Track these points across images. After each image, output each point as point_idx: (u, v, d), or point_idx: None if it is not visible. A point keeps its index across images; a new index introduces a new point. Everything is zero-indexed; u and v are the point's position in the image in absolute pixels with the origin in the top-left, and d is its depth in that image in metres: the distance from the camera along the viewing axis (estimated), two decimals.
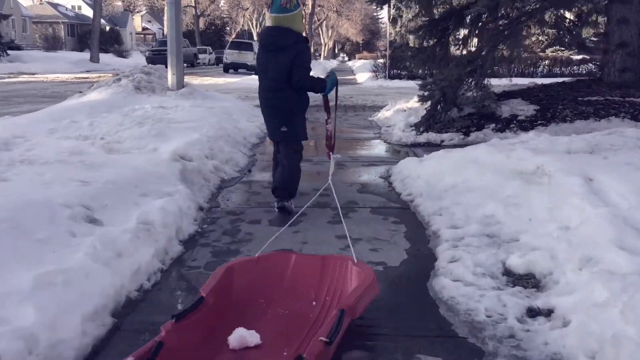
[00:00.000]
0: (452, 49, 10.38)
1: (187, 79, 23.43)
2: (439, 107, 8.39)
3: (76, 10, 58.33)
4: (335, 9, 47.62)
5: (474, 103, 8.56)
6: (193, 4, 50.76)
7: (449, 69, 8.58)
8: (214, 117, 8.14)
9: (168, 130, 6.67)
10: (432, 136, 7.96)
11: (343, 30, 57.28)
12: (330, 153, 4.18)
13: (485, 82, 8.40)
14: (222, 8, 61.72)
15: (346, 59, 77.70)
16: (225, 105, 9.67)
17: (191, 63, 39.57)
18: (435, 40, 10.28)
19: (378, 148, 7.96)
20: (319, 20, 51.94)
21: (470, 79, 8.56)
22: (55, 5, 53.98)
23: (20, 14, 47.56)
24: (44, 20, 50.85)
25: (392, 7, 32.63)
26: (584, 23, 11.37)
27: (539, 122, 7.81)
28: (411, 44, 31.41)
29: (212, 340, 2.40)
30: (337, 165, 4.91)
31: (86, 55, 37.55)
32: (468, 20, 9.69)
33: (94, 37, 34.62)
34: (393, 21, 33.25)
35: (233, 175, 5.96)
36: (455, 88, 8.35)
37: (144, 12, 70.01)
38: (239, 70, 31.80)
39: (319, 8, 47.56)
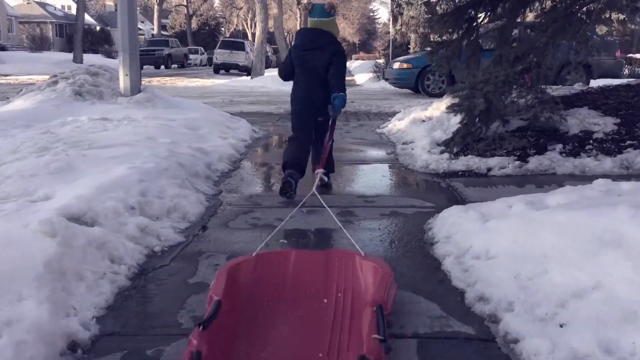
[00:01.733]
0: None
1: (173, 80, 20.85)
2: (477, 119, 5.99)
3: (66, 10, 55.76)
4: None
5: (526, 114, 6.18)
6: (185, 3, 48.29)
7: (493, 68, 6.18)
8: (167, 136, 5.72)
9: (80, 162, 4.25)
10: (474, 161, 5.54)
11: (340, 29, 54.78)
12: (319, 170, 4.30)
13: (544, 84, 6.00)
14: (216, 8, 59.24)
15: None
16: (191, 117, 7.25)
17: (181, 64, 37.14)
18: (462, 31, 7.93)
19: (398, 180, 5.52)
20: None
21: (521, 82, 6.17)
22: (43, 5, 51.32)
23: (5, 13, 44.91)
24: (31, 20, 48.26)
25: (393, 2, 30.38)
26: None
27: (628, 142, 5.41)
28: (412, 44, 29.13)
29: (239, 342, 2.23)
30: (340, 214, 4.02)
31: (71, 56, 35.02)
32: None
33: (77, 37, 32.06)
34: (393, 19, 30.93)
35: (172, 240, 3.52)
36: (501, 94, 5.96)
37: (137, 12, 67.35)
38: (231, 71, 29.28)
39: None
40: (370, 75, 23.77)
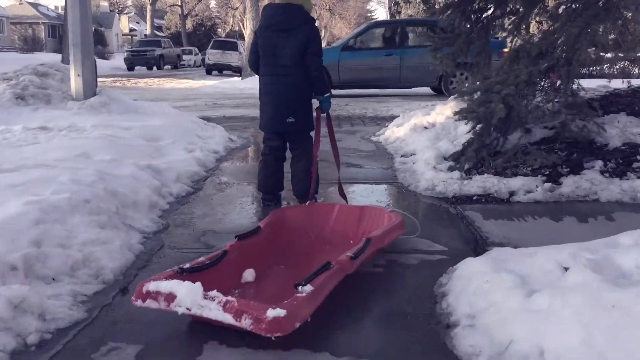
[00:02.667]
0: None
1: (161, 81, 19.62)
2: (492, 128, 4.84)
3: (59, 10, 54.49)
4: (328, 7, 43.89)
5: (553, 121, 5.03)
6: (179, 4, 47.10)
7: (509, 66, 5.02)
8: (108, 151, 4.56)
9: None
10: (492, 182, 4.37)
11: (337, 30, 53.50)
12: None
13: (575, 86, 4.84)
14: (212, 8, 58.03)
15: None
16: (153, 124, 6.08)
17: (174, 64, 35.94)
18: (470, 25, 6.82)
19: (396, 207, 4.31)
20: None
21: (547, 81, 5.02)
22: (35, 6, 50.07)
23: None
24: (23, 21, 47.02)
25: (390, 1, 29.26)
26: None
27: None
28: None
29: (266, 260, 2.88)
30: None
31: (60, 57, 33.83)
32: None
33: (66, 37, 30.76)
34: (391, 18, 29.86)
35: (64, 319, 2.33)
36: (523, 97, 4.81)
37: (133, 13, 66.09)
38: (224, 72, 28.04)
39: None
40: None
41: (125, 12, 65.50)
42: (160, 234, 3.54)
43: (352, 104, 11.97)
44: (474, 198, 4.25)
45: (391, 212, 3.36)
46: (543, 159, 4.44)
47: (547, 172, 4.38)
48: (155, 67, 32.97)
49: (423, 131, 6.77)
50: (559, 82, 4.88)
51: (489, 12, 6.89)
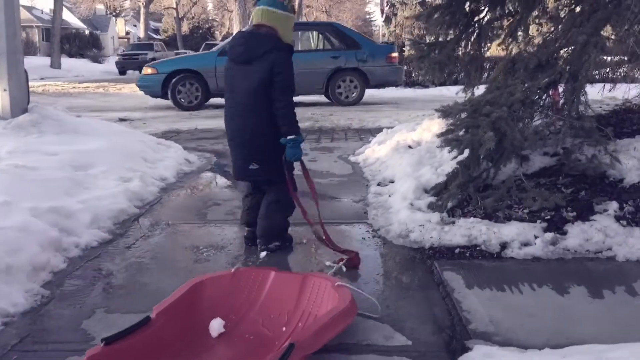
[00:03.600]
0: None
1: None
2: (481, 157, 3.92)
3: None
4: (324, 9, 42.91)
5: (554, 146, 4.12)
6: (174, 6, 46.26)
7: (503, 79, 4.12)
8: (2, 191, 3.65)
9: None
10: (479, 230, 3.45)
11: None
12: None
13: (582, 102, 3.91)
14: (208, 11, 57.22)
15: None
16: (88, 148, 5.17)
17: None
18: (460, 29, 5.94)
19: (363, 259, 3.37)
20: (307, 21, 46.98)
21: (546, 98, 4.10)
22: (29, 9, 49.19)
23: None
24: None
25: (386, 4, 28.37)
26: None
27: None
28: (406, 47, 27.18)
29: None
30: None
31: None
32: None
33: (55, 41, 30.01)
34: (387, 20, 28.99)
35: None
36: (519, 120, 3.89)
37: (130, 16, 65.16)
38: None
39: (307, 9, 42.80)
40: None
41: (122, 15, 64.62)
42: (32, 315, 2.64)
43: (337, 113, 11.06)
44: (457, 251, 3.33)
45: (339, 288, 2.49)
46: (543, 200, 3.52)
47: (549, 217, 3.46)
48: None
49: (406, 152, 5.87)
50: (562, 102, 3.97)
51: (481, 15, 5.99)
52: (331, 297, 2.46)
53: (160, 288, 2.89)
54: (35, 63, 32.49)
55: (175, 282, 2.81)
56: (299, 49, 12.91)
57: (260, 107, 3.18)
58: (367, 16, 61.84)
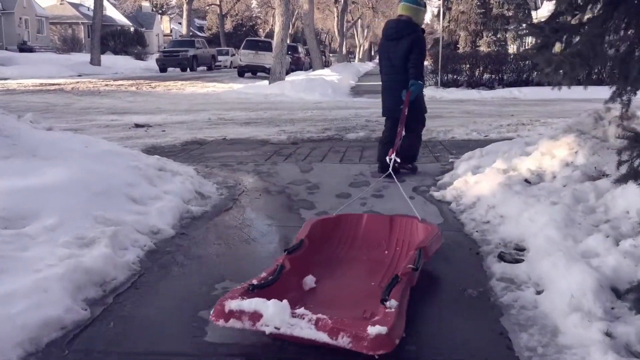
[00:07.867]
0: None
1: (185, 85, 16.84)
2: None
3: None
4: (370, 5, 40.51)
5: None
6: (218, 3, 44.77)
7: None
8: None
9: None
10: None
11: (380, 30, 50.18)
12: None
13: None
14: (252, 8, 55.64)
15: None
16: (39, 183, 3.19)
17: (209, 65, 33.31)
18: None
19: None
20: (352, 19, 44.64)
21: None
22: (76, 6, 48.50)
23: (34, 13, 42.09)
24: (63, 21, 45.60)
25: None
26: None
27: None
28: (461, 42, 24.50)
29: (315, 270, 2.62)
30: None
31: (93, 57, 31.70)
32: None
33: (95, 37, 28.70)
34: (439, 15, 26.57)
35: None
36: None
37: (175, 13, 64.20)
38: (258, 74, 25.13)
39: (352, 5, 40.48)
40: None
41: (168, 12, 63.77)
42: None
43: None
44: None
45: (423, 222, 3.11)
46: None
47: None
48: (188, 69, 30.55)
49: (525, 191, 3.75)
50: None
51: None
52: (420, 228, 3.02)
53: None
54: (75, 60, 31.44)
55: None
56: None
57: (404, 68, 4.73)
58: None
